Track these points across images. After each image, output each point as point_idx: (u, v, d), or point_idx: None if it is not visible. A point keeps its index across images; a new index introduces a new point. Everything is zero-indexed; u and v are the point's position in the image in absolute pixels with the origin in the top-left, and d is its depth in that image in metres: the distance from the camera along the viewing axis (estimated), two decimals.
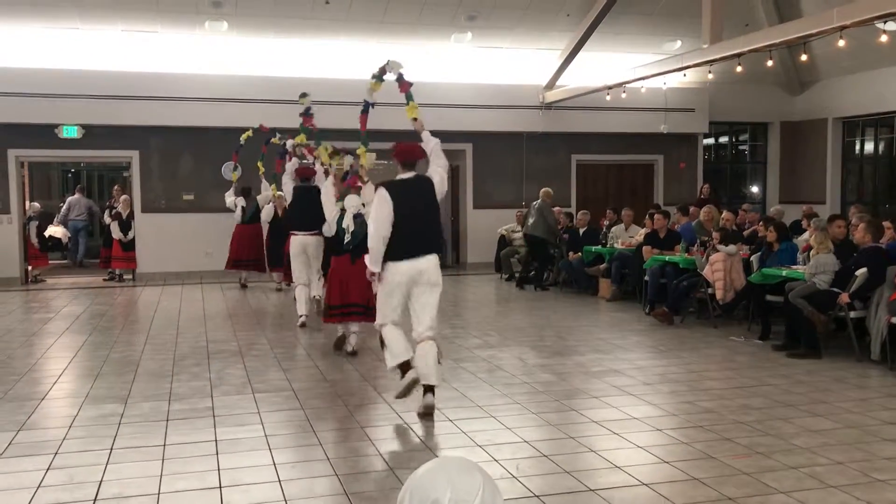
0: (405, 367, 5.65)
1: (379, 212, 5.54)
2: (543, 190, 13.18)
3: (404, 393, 5.67)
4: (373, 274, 5.68)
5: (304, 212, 8.94)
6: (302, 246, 9.14)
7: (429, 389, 5.57)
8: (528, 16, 13.54)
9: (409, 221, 5.53)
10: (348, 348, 7.69)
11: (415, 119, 6.02)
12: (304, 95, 9.52)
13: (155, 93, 13.37)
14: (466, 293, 12.70)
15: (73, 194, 16.77)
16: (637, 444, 5.04)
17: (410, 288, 5.61)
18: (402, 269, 5.55)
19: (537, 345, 8.26)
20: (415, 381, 5.59)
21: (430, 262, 5.60)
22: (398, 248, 5.55)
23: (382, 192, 5.60)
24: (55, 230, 15.52)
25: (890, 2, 8.18)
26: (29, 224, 14.04)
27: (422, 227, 5.63)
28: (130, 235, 13.93)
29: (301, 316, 9.19)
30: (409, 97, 6.16)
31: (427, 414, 5.54)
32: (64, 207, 16.55)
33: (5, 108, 12.86)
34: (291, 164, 9.76)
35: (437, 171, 5.71)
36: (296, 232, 9.18)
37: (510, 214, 14.67)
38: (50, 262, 15.41)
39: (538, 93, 15.20)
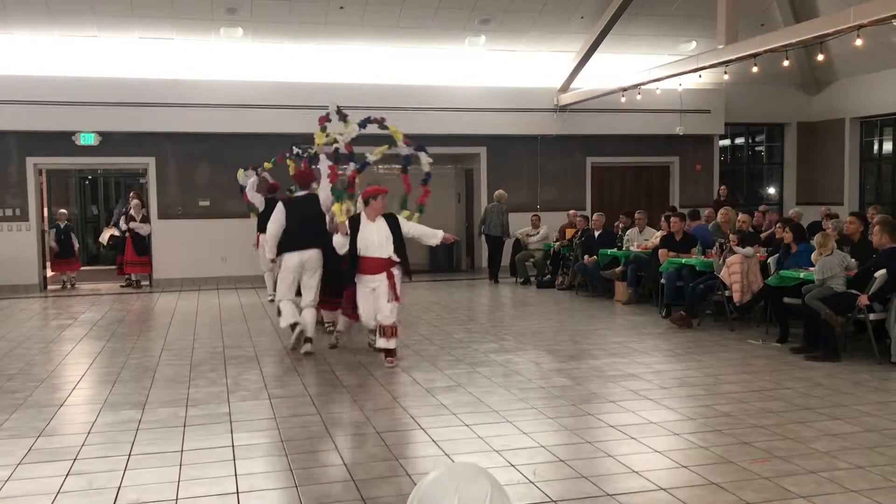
0: (294, 327, 8.03)
1: (275, 218, 8.05)
2: (498, 192, 13.97)
3: (295, 345, 8.07)
4: (272, 261, 8.66)
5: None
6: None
7: (308, 340, 7.96)
8: (542, 18, 13.53)
9: (298, 225, 7.97)
10: (334, 341, 8.42)
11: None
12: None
13: (171, 99, 13.48)
14: (481, 297, 12.69)
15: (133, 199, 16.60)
16: (655, 448, 5.01)
17: (300, 271, 7.97)
18: (293, 258, 7.93)
19: (553, 349, 8.23)
20: (301, 334, 7.98)
21: (312, 253, 7.95)
22: (290, 243, 7.97)
23: (280, 205, 8.18)
24: (112, 231, 15.40)
25: None
26: (65, 230, 14.16)
27: (307, 229, 7.97)
28: (148, 230, 14.02)
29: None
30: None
31: (308, 353, 7.91)
32: (116, 210, 16.52)
33: (23, 116, 13.00)
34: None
35: (324, 190, 8.11)
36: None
37: (525, 218, 14.64)
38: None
39: (552, 95, 15.18)
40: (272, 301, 9.87)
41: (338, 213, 7.92)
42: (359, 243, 7.31)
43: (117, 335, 9.40)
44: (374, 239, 7.31)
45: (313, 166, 8.82)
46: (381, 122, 8.36)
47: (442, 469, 1.64)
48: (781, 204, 17.08)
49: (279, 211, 8.04)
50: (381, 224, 7.39)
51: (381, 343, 7.45)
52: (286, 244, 7.99)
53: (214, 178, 14.37)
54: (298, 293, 8.23)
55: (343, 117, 8.39)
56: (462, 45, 14.08)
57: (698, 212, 11.86)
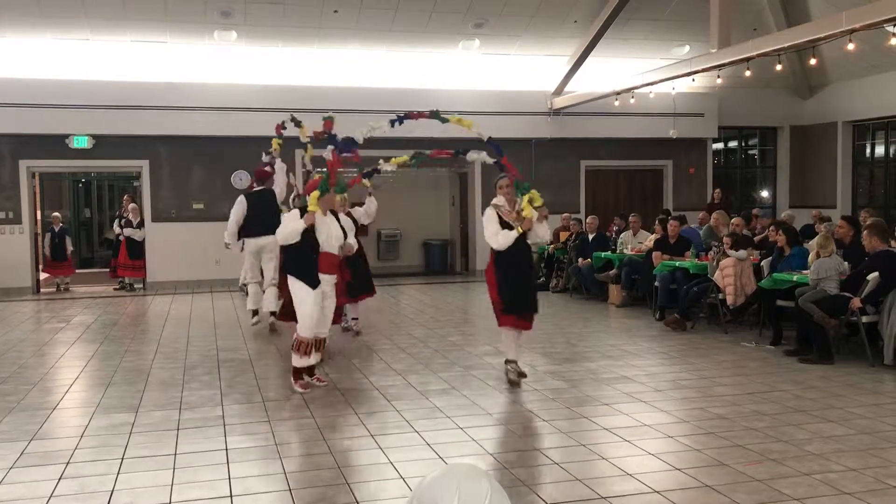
0: (256, 312, 9.48)
1: (236, 209, 9.21)
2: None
3: (256, 322, 9.47)
4: (227, 244, 9.53)
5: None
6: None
7: (272, 314, 9.10)
8: (536, 22, 13.55)
9: (257, 214, 9.14)
10: (350, 325, 9.16)
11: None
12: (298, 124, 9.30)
13: (164, 103, 13.46)
14: (476, 300, 12.70)
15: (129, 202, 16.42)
16: (648, 451, 5.01)
17: (259, 255, 9.31)
18: (252, 243, 9.25)
19: (548, 351, 8.24)
20: (264, 315, 9.36)
21: (268, 239, 8.76)
22: (250, 230, 9.19)
23: (241, 197, 9.36)
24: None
25: None
26: (59, 234, 14.13)
27: (264, 217, 8.96)
28: (142, 235, 14.00)
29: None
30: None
31: (273, 330, 9.27)
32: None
33: (16, 119, 12.97)
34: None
35: (279, 184, 9.47)
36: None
37: None
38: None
39: (546, 99, 15.21)
40: (242, 288, 10.41)
41: (339, 203, 7.42)
42: (320, 237, 6.64)
43: (111, 338, 9.37)
44: (333, 232, 6.76)
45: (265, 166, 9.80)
46: (434, 116, 7.16)
47: (442, 470, 1.65)
48: (774, 207, 17.14)
49: (240, 203, 9.25)
50: (331, 218, 6.84)
51: (308, 361, 6.63)
52: (247, 231, 9.31)
53: (208, 181, 14.36)
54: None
55: (297, 123, 9.11)
56: (456, 49, 14.09)
57: (684, 217, 11.87)
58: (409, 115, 7.08)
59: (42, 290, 14.16)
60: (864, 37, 10.31)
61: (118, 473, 4.69)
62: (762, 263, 9.18)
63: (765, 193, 17.90)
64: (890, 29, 9.84)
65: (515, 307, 6.64)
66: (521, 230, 6.56)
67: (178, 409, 6.13)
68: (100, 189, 19.00)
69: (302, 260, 6.56)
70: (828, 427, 5.42)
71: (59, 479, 4.62)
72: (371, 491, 4.41)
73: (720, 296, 9.08)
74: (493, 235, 6.62)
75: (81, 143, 13.59)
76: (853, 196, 15.94)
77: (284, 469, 4.74)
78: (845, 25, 8.85)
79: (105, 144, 13.77)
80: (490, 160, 7.09)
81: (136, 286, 14.21)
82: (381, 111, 13.24)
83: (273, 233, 8.33)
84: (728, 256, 9.01)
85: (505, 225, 6.65)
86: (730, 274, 8.86)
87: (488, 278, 6.82)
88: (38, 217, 14.42)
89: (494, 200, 6.88)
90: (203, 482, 4.54)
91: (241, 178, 14.16)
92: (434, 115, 7.14)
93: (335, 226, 6.85)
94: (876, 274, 7.28)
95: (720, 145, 17.69)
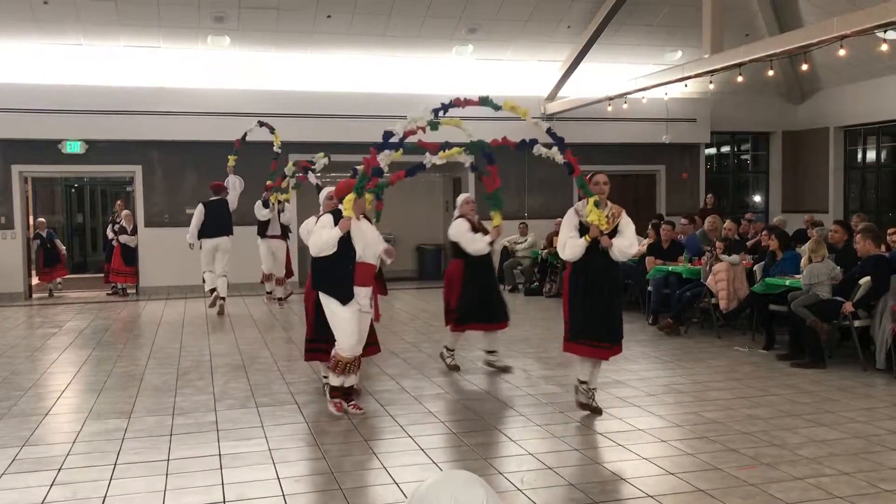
0: (213, 291, 11.50)
1: (196, 214, 11.50)
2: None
3: (212, 304, 11.45)
4: (191, 244, 11.72)
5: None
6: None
7: (222, 299, 11.43)
8: (529, 28, 13.58)
9: (213, 219, 11.45)
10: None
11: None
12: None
13: (157, 108, 13.44)
14: None
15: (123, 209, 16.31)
16: (642, 455, 5.02)
17: (214, 253, 11.54)
18: (208, 243, 11.51)
19: (541, 356, 8.24)
20: (216, 296, 11.45)
21: (222, 240, 11.49)
22: (206, 232, 11.47)
23: (200, 205, 11.59)
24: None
25: (890, 11, 8.21)
26: (48, 238, 14.11)
27: (218, 221, 11.50)
28: (136, 241, 13.99)
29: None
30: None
31: (220, 313, 11.37)
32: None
33: (9, 124, 12.93)
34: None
35: (233, 198, 11.77)
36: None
37: (513, 226, 14.66)
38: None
39: (539, 104, 15.23)
40: (212, 292, 11.73)
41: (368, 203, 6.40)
42: (357, 246, 5.91)
43: (103, 343, 9.34)
44: (371, 241, 6.03)
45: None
46: (485, 103, 6.50)
47: (438, 476, 1.65)
48: (767, 212, 17.18)
49: (199, 210, 11.56)
50: (367, 223, 6.17)
51: (348, 381, 6.05)
52: (204, 233, 11.53)
53: (201, 186, 14.29)
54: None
55: (271, 130, 11.40)
56: (450, 54, 14.11)
57: (673, 223, 11.88)
58: (455, 103, 6.33)
59: (34, 295, 14.11)
60: (856, 42, 10.36)
61: (111, 479, 4.68)
62: (755, 268, 9.22)
63: (757, 198, 17.96)
64: (881, 35, 9.90)
65: (584, 333, 5.79)
66: (588, 238, 5.69)
67: (171, 414, 6.11)
68: (92, 194, 18.94)
69: (332, 273, 5.89)
70: (820, 431, 5.44)
71: (52, 485, 4.60)
72: (365, 496, 4.40)
73: (713, 300, 9.11)
74: (562, 245, 5.87)
75: (74, 147, 13.56)
76: (845, 201, 15.99)
77: (278, 474, 4.73)
78: (837, 31, 8.90)
79: (98, 149, 13.73)
80: (559, 159, 6.43)
81: (129, 291, 14.17)
82: (374, 116, 13.36)
83: (225, 234, 11.61)
84: (721, 261, 9.04)
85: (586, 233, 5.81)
86: (723, 278, 8.89)
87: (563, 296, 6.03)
88: (31, 222, 14.38)
89: (578, 203, 6.06)
90: (196, 488, 4.52)
91: (234, 184, 14.12)
92: (485, 101, 6.41)
93: (372, 232, 6.12)
94: (868, 278, 7.31)
95: (713, 150, 17.74)
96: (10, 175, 13.55)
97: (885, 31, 9.64)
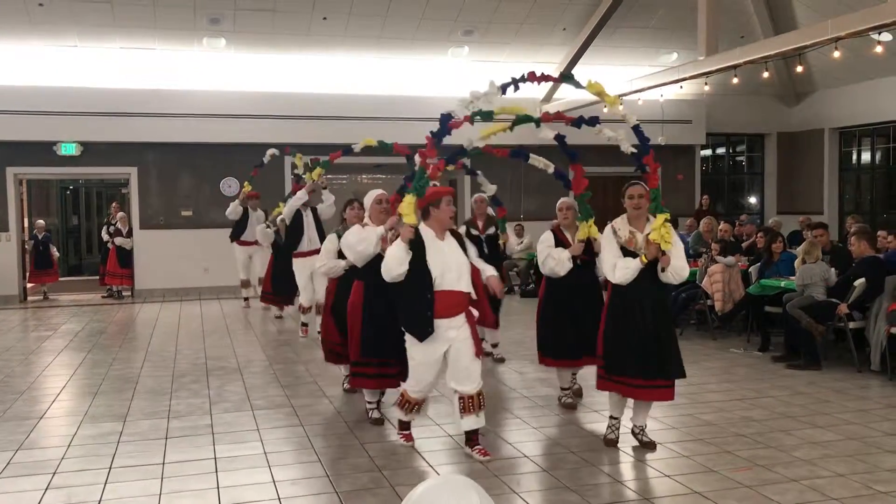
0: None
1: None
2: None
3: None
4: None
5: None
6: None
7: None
8: (525, 30, 13.59)
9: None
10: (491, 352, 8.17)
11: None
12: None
13: (153, 110, 13.41)
14: None
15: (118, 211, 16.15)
16: (638, 458, 5.02)
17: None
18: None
19: (537, 358, 8.22)
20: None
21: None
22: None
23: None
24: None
25: (884, 13, 8.24)
26: (43, 241, 14.06)
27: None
28: (131, 244, 13.96)
29: None
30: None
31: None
32: None
33: (4, 126, 12.89)
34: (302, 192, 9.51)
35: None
36: None
37: (509, 228, 14.64)
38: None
39: (535, 106, 15.23)
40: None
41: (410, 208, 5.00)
42: (434, 269, 4.92)
43: (98, 346, 9.32)
44: (452, 263, 5.00)
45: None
46: (565, 79, 5.93)
47: (432, 481, 1.65)
48: (762, 213, 17.22)
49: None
50: (452, 243, 5.13)
51: (470, 423, 5.02)
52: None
53: (196, 189, 14.32)
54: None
55: (293, 154, 10.60)
56: (445, 56, 14.11)
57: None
58: (530, 77, 5.66)
59: (29, 298, 14.07)
60: (850, 44, 10.39)
61: (106, 483, 4.67)
62: (750, 270, 9.23)
63: (753, 200, 17.99)
64: (875, 37, 9.94)
65: (614, 367, 5.11)
66: (645, 259, 4.97)
67: (166, 417, 6.10)
68: (88, 196, 18.90)
69: (405, 303, 4.99)
70: (816, 433, 5.45)
71: (47, 488, 4.59)
72: (361, 500, 4.40)
73: (709, 302, 9.12)
74: (611, 268, 5.13)
75: (69, 150, 13.53)
76: (840, 202, 16.04)
77: (273, 478, 4.72)
78: (831, 33, 8.92)
79: (93, 151, 13.70)
80: (629, 150, 5.90)
81: (124, 293, 14.15)
82: (370, 118, 13.38)
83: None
84: (716, 263, 9.05)
85: (628, 253, 5.11)
86: (718, 280, 8.90)
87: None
88: (26, 224, 14.35)
89: (616, 221, 5.41)
90: (192, 491, 4.52)
91: (230, 185, 14.15)
92: (565, 78, 5.76)
93: (453, 249, 5.07)
94: (863, 280, 7.32)
95: (708, 152, 17.76)
96: (4, 177, 13.51)
97: (879, 33, 9.69)
